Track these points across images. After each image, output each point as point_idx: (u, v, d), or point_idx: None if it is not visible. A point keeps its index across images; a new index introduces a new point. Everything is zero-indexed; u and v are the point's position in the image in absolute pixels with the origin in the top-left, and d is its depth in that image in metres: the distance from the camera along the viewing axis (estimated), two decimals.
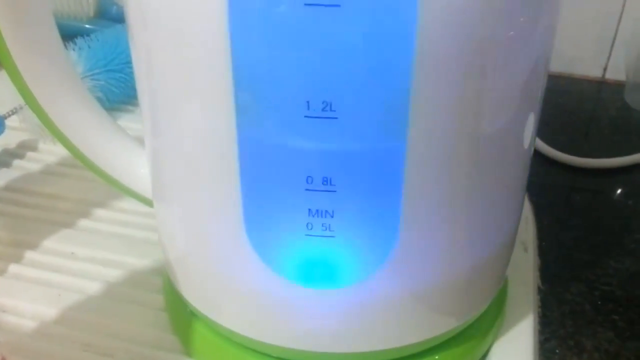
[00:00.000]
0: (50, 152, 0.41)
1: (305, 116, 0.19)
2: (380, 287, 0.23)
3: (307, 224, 0.21)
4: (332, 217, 0.21)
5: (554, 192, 0.44)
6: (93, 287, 0.31)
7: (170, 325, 0.29)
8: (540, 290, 0.34)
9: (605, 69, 0.57)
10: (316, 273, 0.22)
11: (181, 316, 0.29)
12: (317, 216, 0.21)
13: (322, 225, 0.21)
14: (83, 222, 0.36)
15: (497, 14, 0.19)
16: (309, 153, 0.19)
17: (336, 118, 0.19)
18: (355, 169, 0.20)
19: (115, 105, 0.46)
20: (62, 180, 0.39)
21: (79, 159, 0.29)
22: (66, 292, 0.31)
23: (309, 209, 0.21)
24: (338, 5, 0.17)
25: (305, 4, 0.17)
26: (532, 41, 0.21)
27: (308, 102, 0.18)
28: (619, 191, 0.44)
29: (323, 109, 0.18)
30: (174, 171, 0.24)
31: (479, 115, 0.21)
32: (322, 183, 0.20)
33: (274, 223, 0.22)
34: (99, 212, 0.37)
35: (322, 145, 0.19)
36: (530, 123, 0.24)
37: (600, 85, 0.57)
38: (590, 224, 0.40)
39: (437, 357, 0.27)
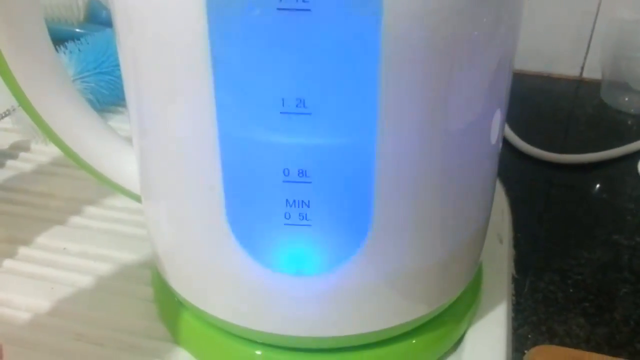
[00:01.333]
0: (42, 152, 0.43)
1: (281, 112, 0.20)
2: (356, 273, 0.24)
3: (285, 213, 0.22)
4: (308, 207, 0.22)
5: (531, 187, 0.45)
6: (85, 281, 0.33)
7: (159, 316, 0.31)
8: (514, 279, 0.36)
9: (582, 68, 0.58)
10: (295, 260, 0.24)
11: (169, 306, 0.30)
12: (295, 206, 0.22)
13: (300, 215, 0.22)
14: (74, 219, 0.37)
15: (460, 15, 0.20)
16: (285, 147, 0.21)
17: (310, 114, 0.20)
18: (329, 161, 0.21)
19: (105, 107, 0.47)
20: (54, 179, 0.40)
21: (70, 158, 0.30)
22: (59, 285, 0.32)
23: (287, 200, 0.22)
24: (308, 10, 0.18)
25: (278, 8, 0.18)
26: (496, 40, 0.22)
27: (283, 99, 0.20)
28: (594, 185, 0.46)
29: (297, 106, 0.20)
30: (159, 167, 0.25)
31: (446, 110, 0.22)
32: (298, 175, 0.21)
33: (255, 214, 0.23)
34: (90, 209, 0.38)
35: (297, 139, 0.21)
36: (497, 117, 0.25)
37: (578, 83, 0.58)
38: (565, 217, 0.42)
39: (414, 341, 0.28)
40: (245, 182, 0.22)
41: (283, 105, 0.20)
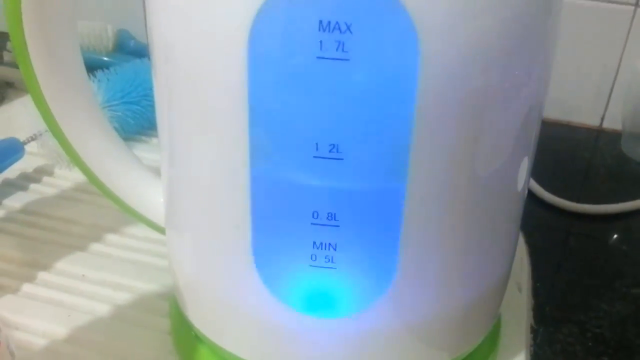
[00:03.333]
0: (66, 177, 0.43)
1: (314, 156, 0.20)
2: (378, 318, 0.24)
3: (312, 255, 0.22)
4: (334, 250, 0.22)
5: (550, 236, 0.45)
6: (102, 309, 0.33)
7: (175, 348, 0.31)
8: (533, 330, 0.35)
9: (602, 118, 0.58)
10: (318, 302, 0.23)
11: (186, 339, 0.30)
12: (321, 248, 0.22)
13: (326, 258, 0.22)
14: (94, 246, 0.37)
15: (493, 68, 0.21)
16: (316, 190, 0.21)
17: (342, 159, 0.20)
18: (358, 206, 0.21)
19: (130, 136, 0.47)
20: (76, 205, 0.41)
21: (95, 185, 0.31)
22: (76, 312, 0.32)
23: (314, 242, 0.22)
24: (347, 60, 0.18)
25: (318, 57, 0.18)
26: (525, 93, 0.23)
27: (317, 143, 0.20)
28: (613, 237, 0.45)
29: (330, 151, 0.20)
30: (188, 201, 0.25)
31: (475, 160, 0.22)
32: (327, 218, 0.21)
33: (281, 254, 0.23)
34: (110, 237, 0.38)
35: (328, 183, 0.21)
36: (524, 168, 0.25)
37: (598, 133, 0.58)
38: (584, 268, 0.41)
39: None
40: (274, 221, 0.22)
41: (317, 149, 0.20)
